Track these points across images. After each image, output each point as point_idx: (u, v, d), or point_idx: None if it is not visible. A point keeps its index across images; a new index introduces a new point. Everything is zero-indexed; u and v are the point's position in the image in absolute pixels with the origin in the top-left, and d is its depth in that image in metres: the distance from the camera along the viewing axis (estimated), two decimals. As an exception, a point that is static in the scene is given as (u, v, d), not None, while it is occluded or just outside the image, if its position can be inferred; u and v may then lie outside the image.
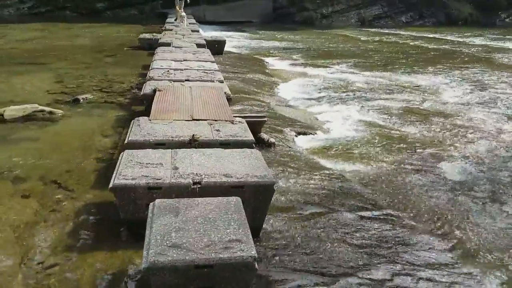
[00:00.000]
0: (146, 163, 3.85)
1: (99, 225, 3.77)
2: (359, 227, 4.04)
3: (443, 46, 19.62)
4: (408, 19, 31.42)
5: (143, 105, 6.63)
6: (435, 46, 19.37)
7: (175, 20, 17.61)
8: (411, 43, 20.44)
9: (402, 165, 5.79)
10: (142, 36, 14.18)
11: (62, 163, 4.94)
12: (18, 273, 3.11)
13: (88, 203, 4.09)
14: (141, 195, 3.55)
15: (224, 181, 3.63)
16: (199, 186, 3.59)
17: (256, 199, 3.73)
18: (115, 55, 12.24)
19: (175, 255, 2.57)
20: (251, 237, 2.80)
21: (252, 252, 2.64)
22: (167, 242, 2.68)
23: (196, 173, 3.69)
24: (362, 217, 4.22)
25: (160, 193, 3.57)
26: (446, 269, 3.55)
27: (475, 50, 18.29)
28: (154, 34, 14.57)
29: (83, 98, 7.52)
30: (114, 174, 3.62)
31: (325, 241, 3.76)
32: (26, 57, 11.57)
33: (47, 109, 6.65)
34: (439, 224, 4.31)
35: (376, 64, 14.29)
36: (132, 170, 3.69)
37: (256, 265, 2.64)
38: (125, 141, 4.48)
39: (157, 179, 3.58)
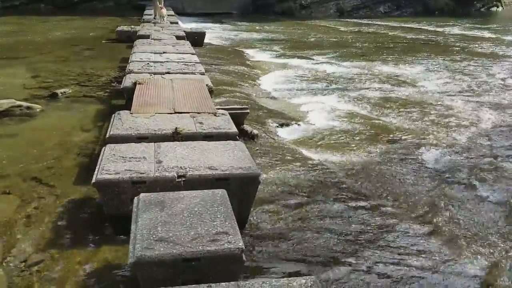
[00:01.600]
0: (129, 157, 3.81)
1: (83, 221, 3.73)
2: (342, 216, 4.09)
3: (421, 35, 19.82)
4: (386, 9, 31.59)
5: (123, 98, 6.54)
6: (413, 36, 19.56)
7: (154, 17, 15.26)
8: (389, 33, 20.59)
9: (383, 154, 5.85)
10: (120, 28, 13.90)
11: (42, 159, 4.85)
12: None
13: (71, 199, 4.03)
14: (125, 190, 3.51)
15: (209, 173, 3.62)
16: (183, 179, 3.57)
17: (241, 191, 3.72)
18: (93, 48, 12.01)
19: (162, 249, 2.56)
20: (238, 229, 2.81)
21: (240, 244, 2.64)
22: (154, 236, 2.67)
23: (181, 167, 3.67)
24: (345, 207, 4.27)
25: (145, 187, 3.53)
26: (429, 256, 3.62)
27: (452, 40, 18.54)
28: (132, 26, 14.32)
29: (61, 93, 7.37)
30: (96, 169, 3.57)
31: (309, 230, 3.80)
32: (0, 51, 11.26)
33: (25, 104, 6.50)
34: (421, 211, 4.39)
35: (355, 54, 14.37)
36: (115, 164, 3.64)
37: (244, 256, 2.64)
38: (107, 135, 4.42)
39: (141, 173, 3.55)
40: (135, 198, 3.19)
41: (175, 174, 3.57)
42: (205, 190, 3.28)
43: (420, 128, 7.13)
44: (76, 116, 6.41)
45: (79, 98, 7.33)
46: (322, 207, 4.21)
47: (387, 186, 4.93)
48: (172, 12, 20.03)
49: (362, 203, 4.39)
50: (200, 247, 2.60)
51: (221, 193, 3.25)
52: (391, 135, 6.66)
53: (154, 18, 15.12)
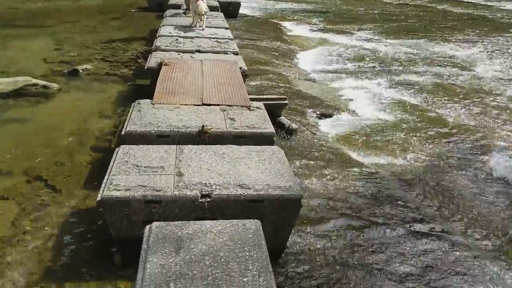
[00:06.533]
0: (145, 166, 3.15)
1: (86, 242, 3.12)
2: (401, 247, 3.34)
3: (471, 10, 18.21)
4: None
5: (148, 78, 5.88)
6: (462, 11, 17.99)
7: (185, 10, 9.27)
8: (438, 7, 19.03)
9: (442, 158, 5.01)
10: (151, -5, 13.08)
11: (51, 153, 4.28)
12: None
13: (75, 209, 3.44)
14: (137, 211, 2.87)
15: (240, 193, 2.93)
16: (208, 199, 2.90)
17: (278, 216, 3.03)
18: (121, 18, 11.33)
19: (173, 320, 1.91)
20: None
21: (278, 316, 1.96)
22: (164, 297, 2.01)
23: (205, 183, 2.99)
24: (402, 233, 3.51)
25: (160, 207, 2.89)
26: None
27: (506, 16, 16.92)
28: (164, -7, 13.48)
29: (82, 69, 6.77)
30: (104, 182, 2.94)
31: (358, 268, 3.08)
32: (26, 19, 10.73)
33: (41, 82, 5.94)
34: (497, 241, 3.58)
35: (402, 30, 13.17)
36: (126, 177, 3.00)
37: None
38: (122, 132, 3.77)
39: (156, 191, 2.89)
40: (146, 227, 2.54)
41: (198, 193, 2.90)
42: (234, 221, 2.59)
43: (481, 124, 6.19)
44: (95, 98, 5.81)
45: (101, 76, 6.71)
46: (373, 233, 3.47)
47: (450, 203, 4.12)
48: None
49: (423, 228, 3.62)
50: (224, 319, 1.93)
51: (254, 227, 2.55)
52: (449, 133, 5.76)
53: (185, 11, 9.27)
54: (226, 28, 8.29)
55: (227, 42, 7.16)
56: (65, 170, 4.00)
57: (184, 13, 9.18)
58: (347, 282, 2.95)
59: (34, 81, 5.89)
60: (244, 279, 2.14)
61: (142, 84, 6.10)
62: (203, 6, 7.52)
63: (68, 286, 2.70)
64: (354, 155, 4.94)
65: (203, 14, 7.62)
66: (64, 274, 2.79)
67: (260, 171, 3.17)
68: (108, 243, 3.00)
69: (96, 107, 5.46)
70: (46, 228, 3.19)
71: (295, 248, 3.25)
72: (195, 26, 7.79)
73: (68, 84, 6.25)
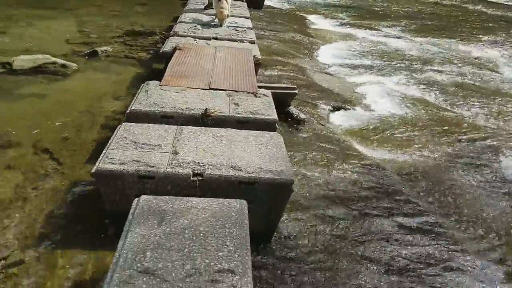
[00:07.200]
0: (142, 143, 3.22)
1: (83, 213, 3.22)
2: (390, 240, 3.31)
3: (504, 12, 17.65)
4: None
5: (163, 63, 5.96)
6: (497, 13, 17.46)
7: (206, 6, 8.42)
8: (470, 8, 18.53)
9: (452, 157, 4.91)
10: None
11: (61, 128, 4.41)
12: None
13: (76, 182, 3.54)
14: (130, 185, 2.94)
15: (231, 175, 2.96)
16: (200, 178, 2.94)
17: (269, 199, 3.05)
18: (147, 3, 11.47)
19: (144, 286, 1.96)
20: (249, 265, 2.14)
21: (247, 291, 1.99)
22: (139, 264, 2.07)
23: (199, 162, 3.03)
24: (396, 227, 3.48)
25: (153, 183, 2.95)
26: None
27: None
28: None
29: (101, 51, 6.91)
30: (101, 155, 3.02)
31: (350, 257, 3.07)
32: (53, 0, 10.97)
33: (60, 61, 6.09)
34: (494, 242, 3.51)
35: (429, 29, 12.89)
36: (123, 151, 3.07)
37: (252, 308, 1.99)
38: (127, 110, 3.85)
39: (150, 166, 2.95)
40: (135, 200, 2.60)
41: (190, 172, 2.94)
42: (220, 200, 2.62)
43: (498, 126, 6.03)
44: (111, 79, 5.93)
45: (119, 58, 6.83)
46: (368, 225, 3.45)
47: (453, 202, 4.04)
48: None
49: (418, 223, 3.57)
50: (193, 289, 1.97)
51: (239, 206, 2.58)
52: (462, 133, 5.64)
53: (205, 9, 8.37)
54: (247, 18, 8.30)
55: (245, 31, 7.17)
56: (71, 145, 4.12)
57: (205, 8, 8.36)
58: (334, 270, 2.94)
59: (53, 59, 6.04)
60: (219, 253, 2.17)
61: (159, 68, 6.18)
62: (225, 11, 6.87)
63: (59, 253, 2.78)
64: (359, 147, 4.90)
65: (224, 19, 7.04)
66: (57, 241, 2.89)
67: (255, 154, 3.20)
68: (103, 215, 3.06)
69: (110, 88, 5.57)
70: (46, 196, 3.29)
71: (286, 234, 3.25)
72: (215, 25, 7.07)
73: (87, 64, 6.39)
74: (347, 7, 16.07)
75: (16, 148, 3.94)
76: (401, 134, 5.38)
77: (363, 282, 2.86)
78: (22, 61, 5.88)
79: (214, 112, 3.87)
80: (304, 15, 13.52)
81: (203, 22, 7.36)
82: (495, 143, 5.40)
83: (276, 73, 6.88)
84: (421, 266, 3.07)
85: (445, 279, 2.98)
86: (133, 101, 4.00)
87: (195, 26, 7.05)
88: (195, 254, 2.15)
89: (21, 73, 5.74)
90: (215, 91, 4.36)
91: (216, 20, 7.19)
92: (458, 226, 3.67)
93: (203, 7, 8.54)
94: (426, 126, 5.71)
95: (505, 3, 20.74)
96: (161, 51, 5.75)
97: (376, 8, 16.44)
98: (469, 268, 3.12)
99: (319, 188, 3.86)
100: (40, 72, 5.83)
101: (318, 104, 5.98)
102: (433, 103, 6.77)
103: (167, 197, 2.62)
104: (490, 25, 14.56)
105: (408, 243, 3.30)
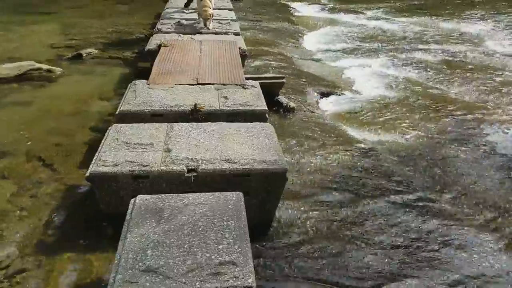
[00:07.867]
0: (134, 143, 3.22)
1: (81, 217, 3.22)
2: (387, 221, 3.35)
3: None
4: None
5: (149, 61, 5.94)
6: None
7: (185, 5, 8.03)
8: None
9: (442, 134, 4.95)
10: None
11: (51, 134, 4.39)
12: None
13: (72, 187, 3.54)
14: (125, 186, 2.95)
15: (225, 168, 2.98)
16: (194, 174, 2.96)
17: (264, 189, 3.08)
18: (130, 3, 11.36)
19: (147, 284, 1.98)
20: (250, 255, 2.17)
21: (249, 281, 2.02)
22: (140, 264, 2.08)
23: (192, 158, 3.04)
24: (393, 207, 3.52)
25: (148, 182, 2.96)
26: (505, 278, 2.87)
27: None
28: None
29: (86, 53, 6.86)
30: (94, 159, 3.02)
31: (347, 240, 3.11)
32: (35, 4, 10.84)
33: (45, 66, 6.05)
34: (488, 215, 3.56)
35: (413, 8, 12.91)
36: (115, 153, 3.07)
37: (255, 298, 2.02)
38: (116, 112, 3.85)
39: (144, 166, 2.96)
40: (131, 200, 2.61)
41: (185, 168, 2.96)
42: (216, 194, 2.64)
43: (486, 100, 6.08)
44: (97, 81, 5.90)
45: (104, 59, 6.80)
46: (365, 207, 3.49)
47: (446, 177, 4.09)
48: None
49: (413, 201, 3.62)
50: (197, 283, 1.99)
51: (235, 198, 2.60)
52: (451, 109, 5.68)
53: (185, 7, 8.03)
54: (230, 10, 8.28)
55: (229, 23, 7.15)
56: (63, 150, 4.10)
57: (185, 6, 7.98)
58: (333, 254, 2.98)
59: (38, 65, 6.00)
60: (219, 247, 2.19)
61: (145, 67, 6.15)
62: (209, 10, 6.39)
63: (60, 258, 2.79)
64: (350, 131, 4.93)
65: (208, 18, 6.50)
66: (56, 247, 2.89)
67: (248, 146, 3.21)
68: (101, 218, 3.07)
69: (97, 90, 5.55)
70: (42, 204, 3.29)
71: (285, 221, 3.28)
72: (202, 28, 6.55)
73: (71, 68, 6.35)
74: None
75: (8, 158, 3.92)
76: (389, 115, 5.42)
77: (362, 263, 2.91)
78: (6, 69, 5.83)
79: (203, 107, 3.88)
80: (286, 3, 13.47)
81: (186, 17, 7.32)
82: (484, 116, 5.46)
83: (263, 63, 6.87)
84: (420, 244, 3.12)
85: (442, 254, 3.03)
86: (122, 101, 3.99)
87: (178, 21, 7.02)
88: (195, 249, 2.17)
89: (6, 81, 5.69)
90: (203, 85, 4.37)
91: (200, 20, 6.71)
92: (452, 201, 3.72)
93: (183, 5, 8.41)
94: (413, 105, 5.76)
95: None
96: (146, 49, 5.73)
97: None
98: (465, 241, 3.17)
99: (311, 173, 3.89)
100: (26, 79, 5.79)
101: (307, 91, 6.00)
102: (420, 81, 6.81)
103: (163, 195, 2.63)
104: (476, 0, 14.60)
105: (401, 223, 3.34)
